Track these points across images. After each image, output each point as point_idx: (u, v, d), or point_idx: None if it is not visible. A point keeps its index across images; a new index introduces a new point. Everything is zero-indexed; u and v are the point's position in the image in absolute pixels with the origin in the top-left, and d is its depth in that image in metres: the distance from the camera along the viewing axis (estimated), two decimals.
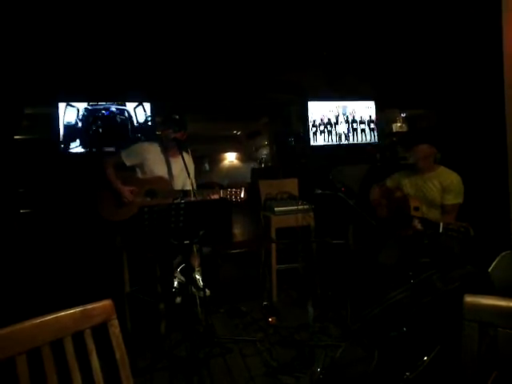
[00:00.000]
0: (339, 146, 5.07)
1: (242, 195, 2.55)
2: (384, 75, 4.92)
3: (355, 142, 5.20)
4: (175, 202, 2.39)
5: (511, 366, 0.93)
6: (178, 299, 2.91)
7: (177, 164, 2.76)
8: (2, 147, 3.79)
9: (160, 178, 2.70)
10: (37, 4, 3.18)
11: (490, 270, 1.89)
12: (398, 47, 4.42)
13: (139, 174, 2.76)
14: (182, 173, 2.75)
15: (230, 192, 2.55)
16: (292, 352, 2.33)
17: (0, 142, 3.79)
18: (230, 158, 11.76)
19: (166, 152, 2.80)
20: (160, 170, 2.75)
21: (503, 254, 1.96)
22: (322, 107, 5.09)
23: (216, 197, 2.54)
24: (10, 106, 3.85)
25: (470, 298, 0.93)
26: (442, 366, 1.55)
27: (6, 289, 3.06)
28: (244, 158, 11.70)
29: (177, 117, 2.75)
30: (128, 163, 2.71)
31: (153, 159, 2.75)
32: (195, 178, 2.82)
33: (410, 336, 1.64)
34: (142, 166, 2.74)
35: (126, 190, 2.62)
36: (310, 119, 5.00)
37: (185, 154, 2.66)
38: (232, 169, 11.39)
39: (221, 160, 11.70)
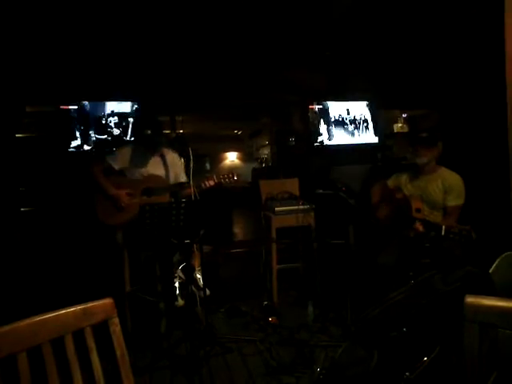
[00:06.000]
0: (341, 146, 5.05)
1: (235, 178, 2.73)
2: (385, 75, 4.91)
3: (356, 142, 5.19)
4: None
5: (511, 367, 0.93)
6: (180, 302, 2.90)
7: (169, 156, 2.82)
8: (2, 145, 3.79)
9: (154, 176, 2.69)
10: (37, 4, 3.19)
11: (491, 271, 1.89)
12: (399, 47, 4.41)
13: (130, 177, 2.72)
14: (174, 166, 2.80)
15: (224, 176, 2.72)
16: (292, 352, 2.33)
17: (1, 139, 3.79)
18: (231, 158, 11.77)
19: (154, 150, 2.79)
20: (153, 169, 2.73)
21: (504, 255, 1.95)
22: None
23: (211, 183, 2.68)
24: (11, 104, 3.85)
25: (470, 299, 0.93)
26: (442, 367, 1.55)
27: (7, 287, 3.06)
28: (245, 157, 11.71)
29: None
30: (117, 167, 2.68)
31: (141, 161, 2.72)
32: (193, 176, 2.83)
33: (410, 336, 1.63)
34: (130, 169, 2.71)
35: (123, 194, 2.59)
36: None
37: (169, 151, 2.81)
38: (233, 168, 11.40)
39: (222, 159, 11.71)
